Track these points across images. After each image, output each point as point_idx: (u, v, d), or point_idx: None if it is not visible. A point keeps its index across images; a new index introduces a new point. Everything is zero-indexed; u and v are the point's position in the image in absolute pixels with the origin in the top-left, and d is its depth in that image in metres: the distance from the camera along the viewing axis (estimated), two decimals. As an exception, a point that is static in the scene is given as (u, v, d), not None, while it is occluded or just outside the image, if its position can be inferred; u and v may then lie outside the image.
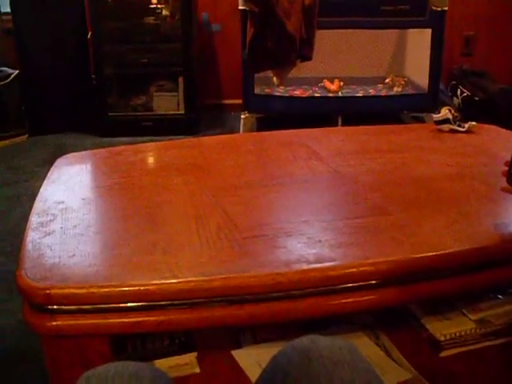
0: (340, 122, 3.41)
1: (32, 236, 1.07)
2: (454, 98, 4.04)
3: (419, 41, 3.60)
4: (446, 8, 3.31)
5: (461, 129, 1.79)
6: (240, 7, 3.18)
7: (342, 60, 3.88)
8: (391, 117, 3.68)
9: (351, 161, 1.47)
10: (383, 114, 3.46)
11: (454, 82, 4.10)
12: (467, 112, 3.89)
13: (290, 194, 1.29)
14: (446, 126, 1.79)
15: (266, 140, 1.77)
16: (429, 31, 3.40)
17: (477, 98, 3.87)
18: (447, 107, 1.96)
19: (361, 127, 1.80)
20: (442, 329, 1.17)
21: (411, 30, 3.74)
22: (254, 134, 3.04)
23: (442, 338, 1.16)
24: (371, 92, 3.76)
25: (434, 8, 3.31)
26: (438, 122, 1.80)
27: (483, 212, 1.19)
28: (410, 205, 1.21)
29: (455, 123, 1.81)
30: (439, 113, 1.86)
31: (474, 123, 1.83)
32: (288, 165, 1.47)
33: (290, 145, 1.63)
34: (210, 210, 1.18)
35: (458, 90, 4.02)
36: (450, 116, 1.80)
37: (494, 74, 4.19)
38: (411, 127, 1.87)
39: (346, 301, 0.97)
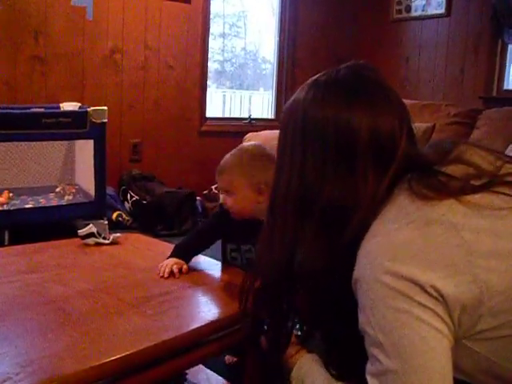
0: (7, 237, 3.29)
1: None
2: (125, 203, 4.21)
3: (85, 150, 3.70)
4: (105, 120, 3.50)
5: (106, 241, 1.88)
6: None
7: (10, 171, 3.79)
8: (65, 225, 3.67)
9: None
10: (56, 223, 3.45)
11: (124, 187, 4.29)
12: (137, 215, 4.09)
13: None
14: (90, 240, 1.87)
15: None
16: (91, 141, 3.53)
17: (145, 201, 4.10)
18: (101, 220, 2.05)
19: (2, 248, 1.78)
20: None
21: (78, 140, 3.84)
22: None
23: None
24: (42, 202, 3.72)
25: (93, 120, 3.46)
26: (83, 237, 1.87)
27: (108, 327, 1.24)
28: (38, 329, 1.21)
29: (100, 236, 1.90)
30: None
31: (118, 234, 1.94)
32: None
33: None
34: None
35: (128, 195, 4.21)
36: (95, 230, 1.89)
37: (162, 177, 4.51)
38: (57, 244, 1.88)
39: None
